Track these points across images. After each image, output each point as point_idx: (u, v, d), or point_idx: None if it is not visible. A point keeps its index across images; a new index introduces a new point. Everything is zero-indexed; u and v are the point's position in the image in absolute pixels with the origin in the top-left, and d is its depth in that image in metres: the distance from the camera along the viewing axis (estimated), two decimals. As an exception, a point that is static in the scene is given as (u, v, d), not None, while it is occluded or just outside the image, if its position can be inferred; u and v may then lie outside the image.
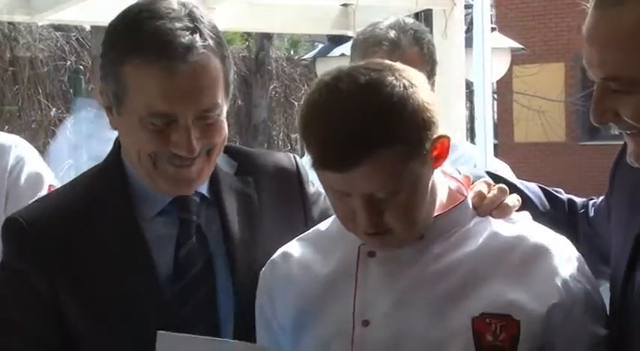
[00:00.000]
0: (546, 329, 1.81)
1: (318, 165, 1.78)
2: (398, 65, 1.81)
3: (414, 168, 1.79)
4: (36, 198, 2.57)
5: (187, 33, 1.93)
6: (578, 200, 2.21)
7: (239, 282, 2.07)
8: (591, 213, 2.16)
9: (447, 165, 1.94)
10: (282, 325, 1.98)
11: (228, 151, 2.19)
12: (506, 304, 1.81)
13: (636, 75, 1.65)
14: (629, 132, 1.76)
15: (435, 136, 1.80)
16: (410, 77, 1.78)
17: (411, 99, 1.76)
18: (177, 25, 1.94)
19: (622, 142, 1.87)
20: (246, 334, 2.00)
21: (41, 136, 11.98)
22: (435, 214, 1.89)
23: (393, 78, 1.75)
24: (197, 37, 1.94)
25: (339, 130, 1.73)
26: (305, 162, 2.15)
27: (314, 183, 2.22)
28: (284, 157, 2.30)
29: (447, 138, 1.85)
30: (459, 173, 2.07)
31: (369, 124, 1.72)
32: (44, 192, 2.72)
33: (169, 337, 1.95)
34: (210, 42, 1.96)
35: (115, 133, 2.22)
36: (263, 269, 2.04)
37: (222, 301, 2.07)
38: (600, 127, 16.92)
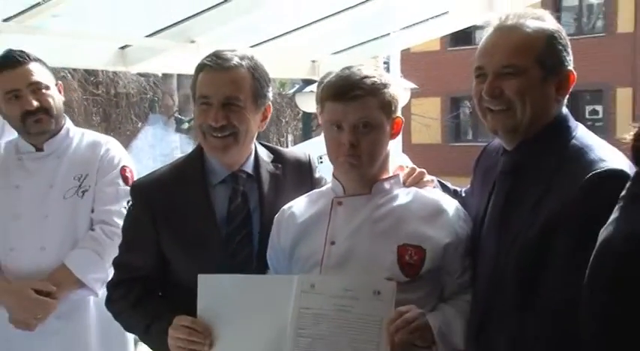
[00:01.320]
0: (442, 257, 1.99)
1: (332, 98, 1.98)
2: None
3: (383, 119, 1.99)
4: (116, 172, 2.74)
5: (232, 55, 2.13)
6: (459, 189, 2.31)
7: (265, 229, 2.18)
8: (463, 194, 2.28)
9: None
10: (283, 247, 2.12)
11: (268, 147, 2.33)
12: (419, 239, 1.98)
13: (522, 64, 1.84)
14: (500, 108, 1.89)
15: (396, 115, 2.04)
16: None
17: (393, 84, 2.03)
18: (229, 52, 2.15)
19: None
20: (265, 259, 2.18)
21: (132, 140, 13.50)
22: (380, 179, 2.06)
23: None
24: (237, 58, 2.13)
25: (353, 78, 1.97)
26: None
27: (320, 171, 2.37)
28: (302, 154, 2.40)
29: (402, 119, 2.07)
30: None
31: (369, 80, 1.97)
32: (118, 170, 2.74)
33: (210, 279, 2.04)
34: (246, 65, 2.13)
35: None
36: (278, 212, 2.19)
37: (255, 239, 2.18)
38: (461, 134, 19.20)
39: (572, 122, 1.92)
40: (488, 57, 1.89)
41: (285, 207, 2.18)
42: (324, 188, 2.20)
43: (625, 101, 19.63)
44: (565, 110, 1.93)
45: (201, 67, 2.16)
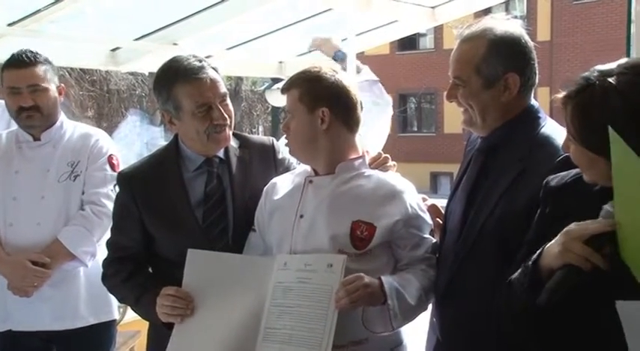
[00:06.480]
0: (391, 233, 1.94)
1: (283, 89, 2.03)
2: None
3: (304, 112, 1.96)
4: (104, 160, 2.69)
5: (198, 63, 2.08)
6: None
7: (237, 206, 2.13)
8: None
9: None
10: (264, 216, 2.09)
11: (236, 135, 2.25)
12: (371, 217, 1.92)
13: (464, 75, 1.86)
14: (462, 109, 1.92)
15: (323, 108, 1.95)
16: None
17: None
18: (192, 60, 2.09)
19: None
20: (240, 234, 2.12)
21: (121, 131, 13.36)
22: (345, 160, 1.99)
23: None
24: (204, 63, 2.09)
25: (296, 76, 1.99)
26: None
27: (283, 153, 2.27)
28: (266, 139, 2.35)
29: (327, 110, 1.96)
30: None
31: (302, 77, 1.98)
32: (106, 158, 2.70)
33: (198, 253, 2.00)
34: (211, 65, 2.11)
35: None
36: (268, 183, 2.13)
37: (230, 216, 2.13)
38: (408, 126, 19.14)
39: (542, 114, 1.91)
40: (449, 68, 1.92)
41: (275, 179, 2.14)
42: (306, 167, 2.11)
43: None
44: (535, 104, 1.92)
45: (178, 80, 2.07)
